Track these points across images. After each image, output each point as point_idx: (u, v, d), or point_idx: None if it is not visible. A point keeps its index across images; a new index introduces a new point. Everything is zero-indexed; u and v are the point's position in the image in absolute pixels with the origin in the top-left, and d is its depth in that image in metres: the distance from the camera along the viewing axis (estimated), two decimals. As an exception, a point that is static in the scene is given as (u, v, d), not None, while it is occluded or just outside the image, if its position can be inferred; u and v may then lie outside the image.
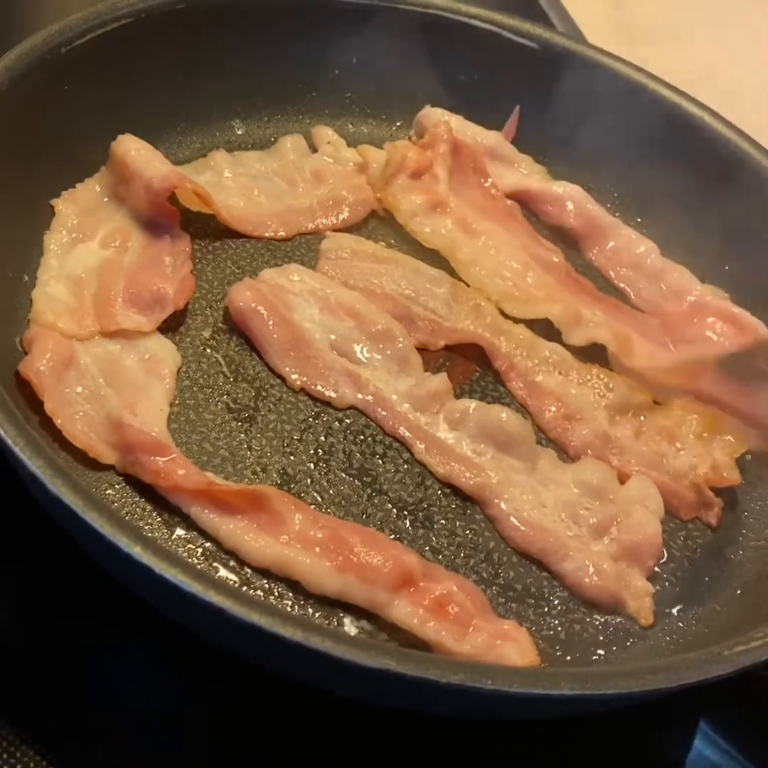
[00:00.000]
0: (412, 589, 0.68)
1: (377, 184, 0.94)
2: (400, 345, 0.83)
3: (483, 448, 0.78)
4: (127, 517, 0.70)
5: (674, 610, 0.75)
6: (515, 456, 0.78)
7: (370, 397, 0.80)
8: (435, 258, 0.91)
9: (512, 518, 0.75)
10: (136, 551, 0.58)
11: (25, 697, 0.68)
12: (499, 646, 0.67)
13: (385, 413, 0.80)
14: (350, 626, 0.68)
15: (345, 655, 0.57)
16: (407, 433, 0.79)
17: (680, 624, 0.74)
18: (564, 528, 0.76)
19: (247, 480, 0.74)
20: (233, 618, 0.57)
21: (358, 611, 0.69)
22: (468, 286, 0.89)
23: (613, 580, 0.73)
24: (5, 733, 0.66)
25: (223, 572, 0.69)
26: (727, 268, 0.92)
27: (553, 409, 0.83)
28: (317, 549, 0.69)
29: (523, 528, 0.75)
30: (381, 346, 0.83)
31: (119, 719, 0.68)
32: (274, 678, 0.65)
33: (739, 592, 0.76)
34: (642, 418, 0.84)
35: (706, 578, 0.77)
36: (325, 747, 0.69)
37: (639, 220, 0.98)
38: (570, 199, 0.96)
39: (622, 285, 0.93)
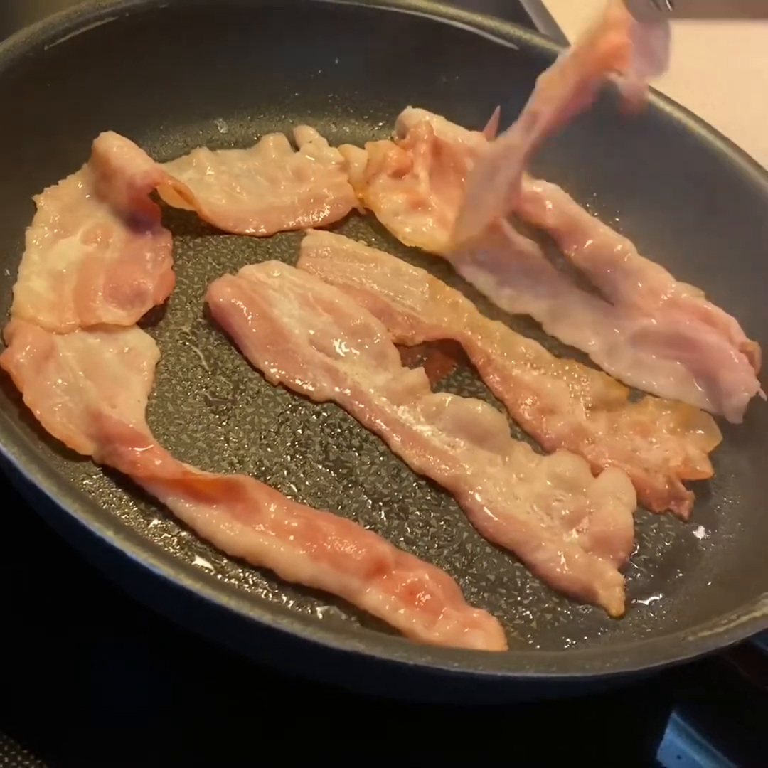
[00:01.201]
0: (384, 577, 0.69)
1: (359, 183, 0.95)
2: (378, 340, 0.84)
3: (458, 440, 0.79)
4: (104, 507, 0.70)
5: (645, 601, 0.75)
6: (489, 448, 0.79)
7: (347, 391, 0.81)
8: (415, 256, 0.92)
9: (486, 509, 0.76)
10: (109, 535, 0.59)
11: (24, 697, 0.68)
12: (468, 634, 0.67)
13: (362, 406, 0.80)
14: (323, 614, 0.69)
15: (313, 638, 0.57)
16: (384, 426, 0.80)
17: (651, 614, 0.75)
18: (536, 519, 0.76)
19: (224, 471, 0.75)
20: (203, 601, 0.58)
21: (331, 600, 0.69)
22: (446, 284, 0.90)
23: (584, 570, 0.74)
24: (5, 733, 0.66)
25: (198, 561, 0.70)
26: (703, 266, 0.93)
27: (528, 401, 0.84)
28: (291, 537, 0.69)
29: (496, 519, 0.76)
30: (359, 340, 0.83)
31: (119, 719, 0.68)
32: (274, 678, 0.66)
33: (709, 583, 0.77)
34: (617, 413, 0.85)
35: (678, 570, 0.78)
36: (326, 747, 0.69)
37: (617, 219, 0.98)
38: (549, 198, 0.96)
39: (599, 283, 0.94)
